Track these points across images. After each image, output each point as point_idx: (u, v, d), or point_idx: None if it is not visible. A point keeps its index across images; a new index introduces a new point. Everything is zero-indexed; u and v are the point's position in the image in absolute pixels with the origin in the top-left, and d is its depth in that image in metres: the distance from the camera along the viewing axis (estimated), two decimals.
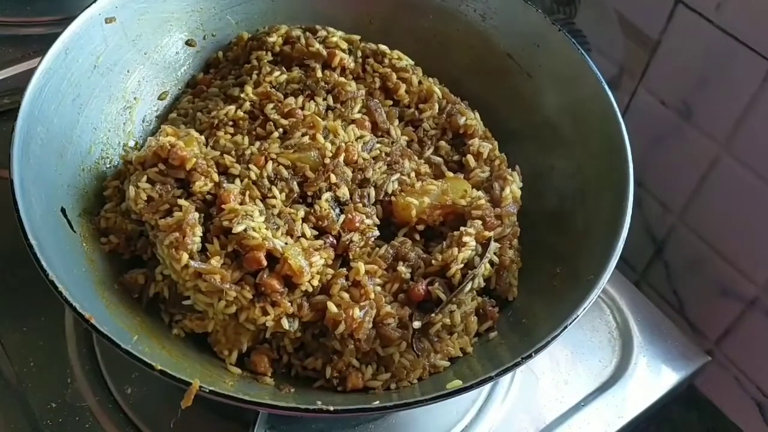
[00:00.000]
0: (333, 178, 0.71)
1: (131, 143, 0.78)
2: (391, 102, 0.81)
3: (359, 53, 0.82)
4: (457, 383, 0.59)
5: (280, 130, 0.74)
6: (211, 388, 0.54)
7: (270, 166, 0.70)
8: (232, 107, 0.76)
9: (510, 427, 0.78)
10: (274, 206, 0.68)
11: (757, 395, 0.98)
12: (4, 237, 0.84)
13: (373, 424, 0.75)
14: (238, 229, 0.64)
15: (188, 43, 0.83)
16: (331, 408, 0.54)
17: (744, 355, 0.98)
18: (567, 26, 1.03)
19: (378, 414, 0.75)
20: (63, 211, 0.67)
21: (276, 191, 0.69)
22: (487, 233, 0.70)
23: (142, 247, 0.70)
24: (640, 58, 0.95)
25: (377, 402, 0.59)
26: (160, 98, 0.82)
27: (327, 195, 0.70)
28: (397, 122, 0.80)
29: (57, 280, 0.56)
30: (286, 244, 0.65)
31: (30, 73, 1.01)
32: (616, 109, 0.75)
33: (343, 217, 0.70)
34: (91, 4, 0.74)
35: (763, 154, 0.86)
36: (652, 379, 0.85)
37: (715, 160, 0.92)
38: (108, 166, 0.75)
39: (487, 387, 0.80)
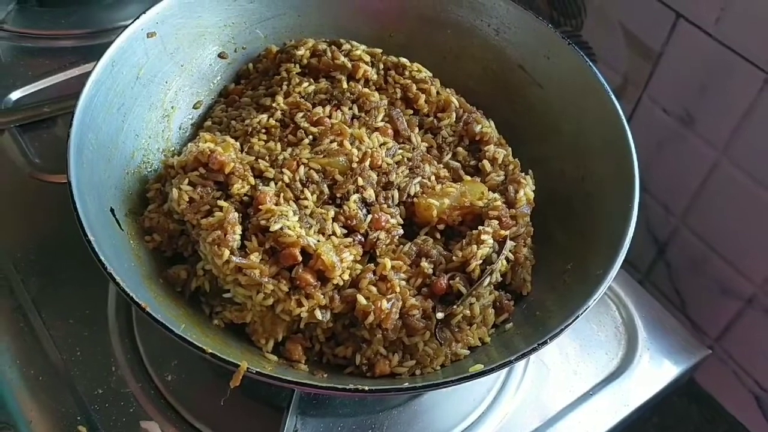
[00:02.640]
0: (360, 181, 0.74)
1: (170, 149, 0.82)
2: (411, 111, 0.84)
3: (381, 65, 0.85)
4: (479, 367, 0.62)
5: (310, 137, 0.77)
6: (257, 370, 0.58)
7: (302, 170, 0.74)
8: (264, 116, 0.79)
9: (523, 414, 0.81)
10: (306, 207, 0.72)
11: (754, 388, 1.01)
12: (50, 238, 0.90)
13: (396, 410, 0.78)
14: (275, 227, 0.67)
15: (221, 55, 0.87)
16: (366, 387, 0.57)
17: (742, 351, 1.01)
18: (573, 38, 1.05)
19: (405, 396, 0.78)
20: (112, 211, 0.70)
21: (308, 193, 0.73)
22: (503, 232, 0.73)
23: (183, 244, 0.74)
24: (644, 69, 0.98)
25: (407, 384, 0.64)
26: (194, 107, 0.85)
27: (355, 197, 0.73)
28: (417, 130, 0.83)
29: (114, 272, 0.60)
30: (318, 241, 0.69)
31: (65, 83, 1.07)
32: (622, 117, 0.78)
33: (370, 216, 0.73)
34: (134, 20, 0.78)
35: (759, 159, 0.89)
36: (656, 371, 0.88)
37: (715, 165, 0.94)
38: (149, 170, 0.78)
39: (501, 377, 0.83)
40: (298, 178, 0.74)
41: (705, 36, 0.88)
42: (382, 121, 0.81)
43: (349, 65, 0.83)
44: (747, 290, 0.97)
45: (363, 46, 0.87)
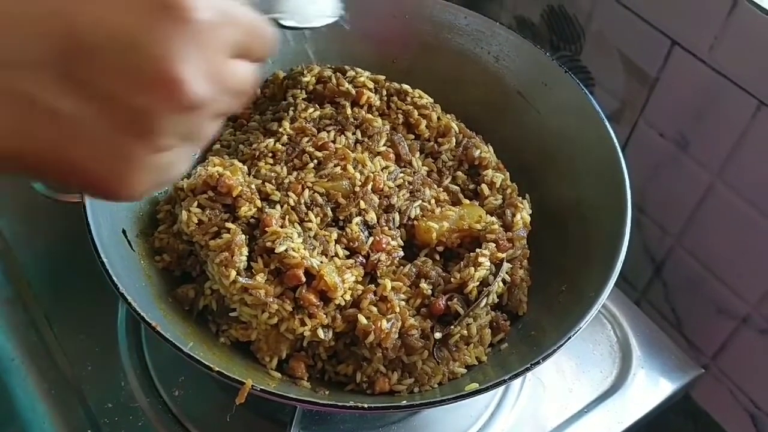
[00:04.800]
0: (362, 204, 0.76)
1: None
2: (413, 136, 0.86)
3: (384, 92, 0.88)
4: (474, 386, 0.65)
5: (315, 161, 0.79)
6: (261, 387, 0.60)
7: (306, 193, 0.76)
8: (271, 140, 0.81)
9: (519, 430, 0.83)
10: (310, 229, 0.74)
11: (749, 407, 1.02)
12: (63, 256, 0.93)
13: (395, 426, 0.80)
14: (280, 249, 0.70)
15: None
16: (365, 405, 0.59)
17: (737, 369, 1.02)
18: (572, 63, 1.08)
19: (404, 413, 0.80)
20: (124, 232, 0.73)
21: (312, 216, 0.75)
22: (500, 255, 0.75)
23: (192, 264, 0.76)
24: (640, 94, 0.99)
25: (405, 401, 0.66)
26: None
27: (357, 219, 0.76)
28: (418, 154, 0.85)
29: (126, 292, 0.63)
30: (321, 262, 0.71)
31: None
32: (616, 143, 0.80)
33: (371, 239, 0.75)
34: None
35: (752, 182, 0.91)
36: (649, 389, 0.89)
37: (710, 187, 0.95)
38: (160, 192, 0.80)
39: (498, 394, 0.85)
40: (303, 201, 0.76)
41: (699, 63, 0.90)
42: (384, 145, 0.83)
43: (353, 92, 0.86)
44: (742, 310, 0.98)
45: (367, 73, 0.89)
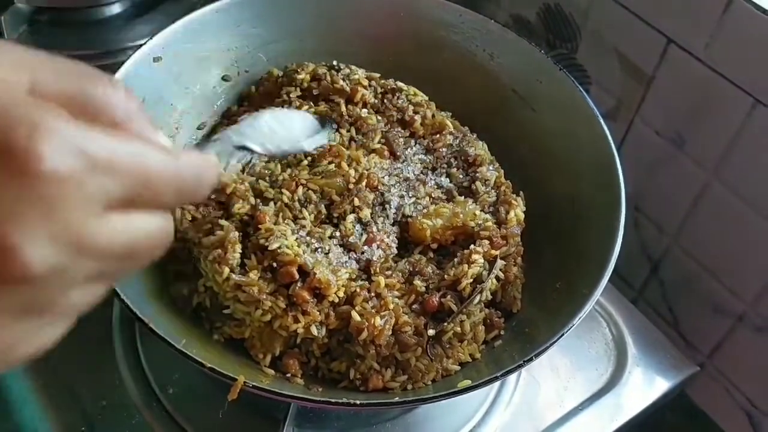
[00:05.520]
0: (356, 202, 0.76)
1: None
2: (407, 133, 0.86)
3: (379, 89, 0.87)
4: (467, 382, 0.65)
5: (309, 158, 0.79)
6: (253, 383, 0.60)
7: (300, 190, 0.76)
8: None
9: (514, 428, 0.83)
10: (304, 226, 0.74)
11: (745, 405, 1.02)
12: None
13: (390, 423, 0.80)
14: (274, 246, 0.70)
15: (224, 78, 0.89)
16: (357, 402, 0.60)
17: (734, 368, 1.02)
18: (569, 61, 1.08)
19: (397, 410, 0.80)
20: None
21: (306, 213, 0.75)
22: (493, 252, 0.75)
23: (185, 261, 0.75)
24: (636, 92, 1.00)
25: (397, 398, 0.66)
26: (198, 128, 0.87)
27: (351, 216, 0.76)
28: (412, 151, 0.85)
29: (119, 289, 0.62)
30: (315, 260, 0.71)
31: None
32: (611, 141, 0.80)
33: (365, 235, 0.75)
34: (141, 46, 0.80)
35: (748, 181, 0.91)
36: (644, 387, 0.90)
37: (706, 186, 0.96)
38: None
39: (493, 391, 0.85)
40: (296, 198, 0.76)
41: (695, 61, 0.90)
42: (378, 143, 0.83)
43: (348, 89, 0.86)
44: (738, 308, 0.98)
45: (362, 70, 0.89)
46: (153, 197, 0.34)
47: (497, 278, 0.75)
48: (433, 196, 0.81)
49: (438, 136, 0.86)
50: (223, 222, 0.73)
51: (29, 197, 0.29)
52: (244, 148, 0.61)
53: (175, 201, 0.36)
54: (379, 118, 0.86)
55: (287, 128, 0.69)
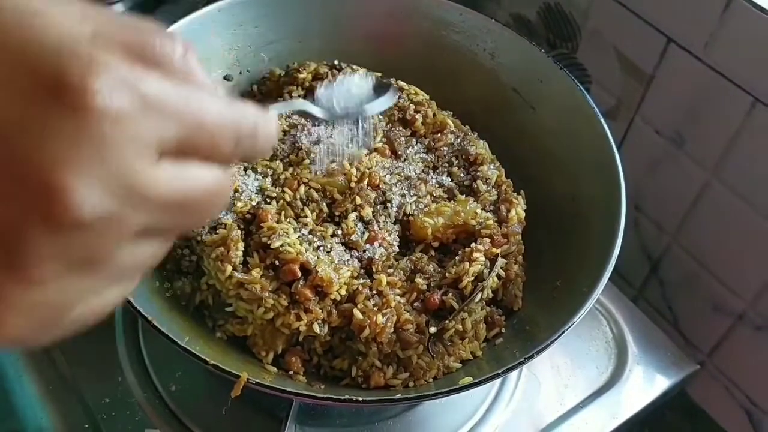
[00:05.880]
0: (358, 200, 0.76)
1: None
2: (409, 132, 0.86)
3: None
4: (468, 379, 0.65)
5: (310, 157, 0.79)
6: (257, 381, 0.60)
7: (302, 189, 0.76)
8: None
9: (515, 426, 0.83)
10: (306, 225, 0.74)
11: (745, 403, 1.02)
12: None
13: (391, 421, 0.80)
14: (276, 244, 0.70)
15: (226, 78, 0.89)
16: (360, 398, 0.60)
17: (733, 366, 1.02)
18: (569, 60, 1.08)
19: (399, 407, 0.81)
20: None
21: (308, 211, 0.75)
22: (494, 250, 0.75)
23: (188, 260, 0.76)
24: (636, 91, 1.00)
25: (399, 395, 0.66)
26: None
27: (353, 215, 0.76)
28: (414, 150, 0.85)
29: None
30: (317, 258, 0.71)
31: None
32: (611, 140, 0.80)
33: (367, 234, 0.76)
34: None
35: (748, 180, 0.91)
36: (644, 385, 0.90)
37: (706, 185, 0.96)
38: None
39: (494, 389, 0.86)
40: (298, 196, 0.76)
41: (695, 60, 0.90)
42: (380, 141, 0.84)
43: None
44: (738, 307, 0.98)
45: (363, 70, 0.89)
46: (209, 146, 0.32)
47: (498, 276, 0.76)
48: (434, 194, 0.82)
49: (439, 135, 0.87)
50: (225, 220, 0.74)
51: (81, 136, 0.27)
52: (304, 113, 0.61)
53: (233, 153, 0.33)
54: (381, 117, 0.86)
55: (355, 92, 0.70)
